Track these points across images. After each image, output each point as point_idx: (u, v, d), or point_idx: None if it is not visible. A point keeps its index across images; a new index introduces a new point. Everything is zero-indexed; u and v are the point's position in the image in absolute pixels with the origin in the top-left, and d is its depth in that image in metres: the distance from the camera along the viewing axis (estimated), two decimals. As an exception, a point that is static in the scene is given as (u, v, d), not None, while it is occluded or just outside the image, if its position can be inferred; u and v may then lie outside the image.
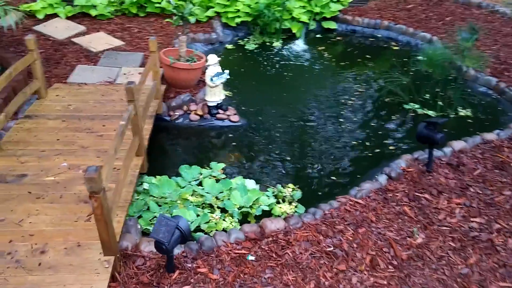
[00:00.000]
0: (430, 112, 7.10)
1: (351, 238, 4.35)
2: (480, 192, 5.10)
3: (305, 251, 4.15)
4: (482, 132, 6.31)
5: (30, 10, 8.88)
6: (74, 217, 3.95)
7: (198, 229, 4.54)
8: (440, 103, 7.28)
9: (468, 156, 5.70)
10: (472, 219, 4.71)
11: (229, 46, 9.42)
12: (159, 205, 4.79)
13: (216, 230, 4.52)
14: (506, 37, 9.57)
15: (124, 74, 7.05)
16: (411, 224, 4.60)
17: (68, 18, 9.11)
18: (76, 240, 3.71)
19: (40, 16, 8.89)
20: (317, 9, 10.21)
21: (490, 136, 6.12)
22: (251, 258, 4.01)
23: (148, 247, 3.95)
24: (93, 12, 9.24)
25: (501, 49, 8.97)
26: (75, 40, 8.17)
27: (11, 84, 5.83)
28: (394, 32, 10.39)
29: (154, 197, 4.90)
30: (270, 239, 4.26)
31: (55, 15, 9.07)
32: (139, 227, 4.30)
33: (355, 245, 4.27)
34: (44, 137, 5.15)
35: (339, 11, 10.66)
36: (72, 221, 3.90)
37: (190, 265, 3.85)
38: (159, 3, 9.61)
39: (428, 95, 7.62)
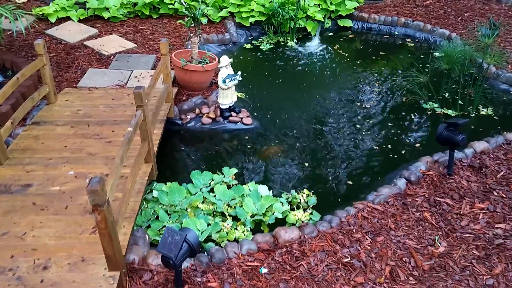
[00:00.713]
0: (450, 112, 6.86)
1: (369, 248, 4.15)
2: (504, 195, 4.86)
3: (320, 263, 3.96)
4: (504, 131, 6.09)
5: (42, 13, 8.83)
6: (79, 229, 3.81)
7: (209, 239, 4.37)
8: (460, 102, 7.03)
9: (491, 158, 5.47)
10: (496, 225, 4.48)
11: (243, 47, 9.26)
12: (169, 214, 4.64)
13: (228, 240, 4.35)
14: (528, 32, 9.26)
15: (136, 77, 6.93)
16: (432, 232, 4.39)
17: (80, 21, 9.03)
18: (81, 254, 3.56)
19: (53, 19, 8.82)
20: (332, 7, 10.00)
21: (514, 136, 5.89)
22: (264, 270, 3.84)
23: (156, 260, 3.79)
24: (106, 15, 9.15)
25: (524, 45, 8.67)
26: (87, 43, 8.08)
27: (19, 90, 5.75)
28: (411, 29, 10.14)
29: (164, 205, 4.75)
30: (284, 249, 4.08)
31: (68, 18, 9.00)
32: (147, 238, 4.15)
33: (373, 255, 4.08)
34: (52, 144, 5.03)
35: (355, 8, 10.45)
36: (77, 234, 3.76)
37: (199, 279, 3.69)
38: (172, 4, 9.50)
39: (447, 94, 7.37)
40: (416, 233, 4.36)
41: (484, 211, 4.66)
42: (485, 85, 7.46)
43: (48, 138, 5.14)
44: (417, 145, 6.11)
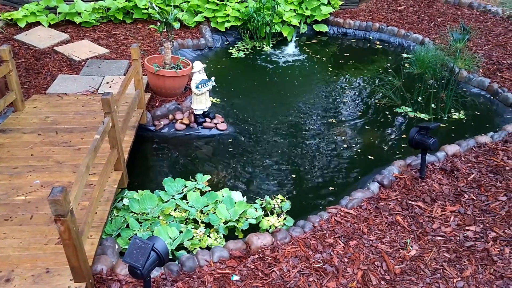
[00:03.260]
0: (423, 115, 6.92)
1: (341, 252, 4.14)
2: (475, 198, 4.91)
3: (293, 268, 3.93)
4: (475, 134, 6.16)
5: (11, 18, 8.64)
6: (44, 240, 3.70)
7: (181, 246, 4.31)
8: (433, 105, 7.10)
9: (462, 161, 5.53)
10: (467, 228, 4.51)
11: (219, 52, 9.21)
12: (140, 222, 4.55)
13: (200, 247, 4.29)
14: (498, 37, 9.42)
15: (107, 83, 6.82)
16: (404, 235, 4.40)
17: (51, 26, 8.87)
18: (45, 265, 3.46)
19: (22, 24, 8.63)
20: (308, 12, 10.03)
21: (484, 138, 5.96)
22: (235, 278, 3.79)
23: (124, 270, 3.70)
24: (77, 20, 9.00)
25: (493, 49, 8.82)
26: (57, 48, 7.94)
27: (-15, 98, 5.62)
28: (386, 34, 10.24)
29: (135, 213, 4.66)
30: (256, 256, 4.03)
31: (38, 24, 8.83)
32: (117, 247, 4.06)
33: (345, 260, 4.06)
34: (18, 152, 4.90)
35: (330, 14, 10.50)
36: (41, 245, 3.65)
37: (169, 288, 3.63)
38: (146, 9, 9.40)
39: (420, 98, 7.44)
40: (388, 237, 4.36)
41: (455, 213, 4.69)
42: (458, 89, 7.56)
43: (13, 146, 5.01)
44: (391, 149, 6.14)
